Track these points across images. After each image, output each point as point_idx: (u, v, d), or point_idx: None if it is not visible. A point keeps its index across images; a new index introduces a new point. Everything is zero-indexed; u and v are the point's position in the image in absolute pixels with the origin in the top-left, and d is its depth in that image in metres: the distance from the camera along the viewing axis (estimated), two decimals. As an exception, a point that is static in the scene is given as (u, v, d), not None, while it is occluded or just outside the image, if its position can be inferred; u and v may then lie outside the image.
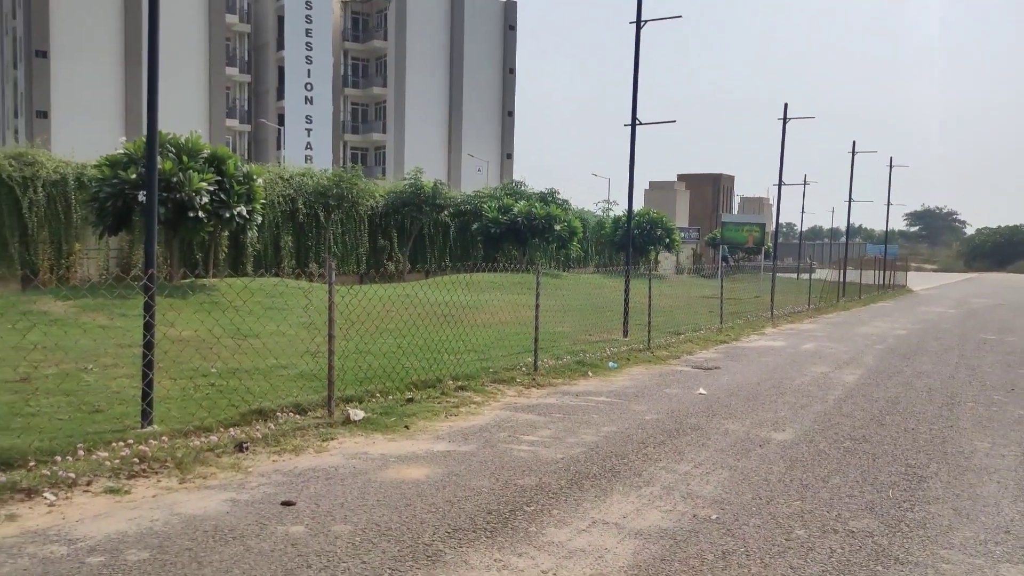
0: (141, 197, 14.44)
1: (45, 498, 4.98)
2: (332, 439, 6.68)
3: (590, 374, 10.65)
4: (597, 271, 34.76)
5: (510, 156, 60.97)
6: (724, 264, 47.36)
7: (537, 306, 10.73)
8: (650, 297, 13.92)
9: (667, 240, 40.29)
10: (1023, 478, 6.27)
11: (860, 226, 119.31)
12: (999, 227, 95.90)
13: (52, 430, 6.20)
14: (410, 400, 8.24)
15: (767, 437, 7.38)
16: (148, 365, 6.37)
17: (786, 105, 23.02)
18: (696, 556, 4.43)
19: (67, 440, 5.88)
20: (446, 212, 30.24)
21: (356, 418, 7.25)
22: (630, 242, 16.83)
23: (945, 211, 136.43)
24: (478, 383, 9.28)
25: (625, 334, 14.27)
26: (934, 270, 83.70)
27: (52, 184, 19.04)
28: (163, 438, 6.14)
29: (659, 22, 15.06)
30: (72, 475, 5.29)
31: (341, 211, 26.51)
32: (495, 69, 59.76)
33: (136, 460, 5.66)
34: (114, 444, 5.90)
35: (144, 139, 8.06)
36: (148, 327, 6.39)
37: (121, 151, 16.27)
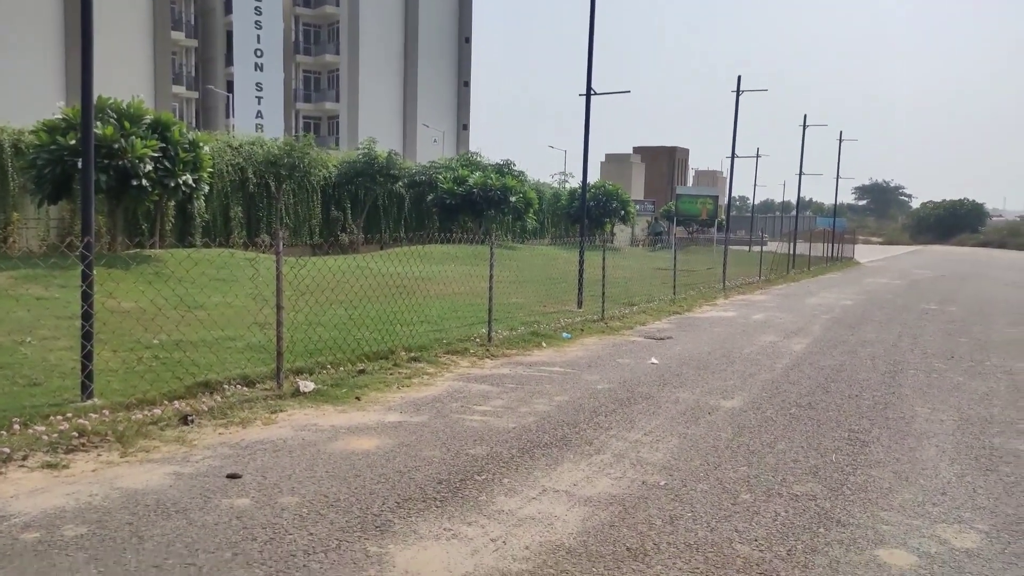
0: (81, 164, 13.95)
1: (-23, 474, 4.79)
2: (281, 411, 6.56)
3: (544, 344, 10.67)
4: (552, 243, 34.84)
5: (466, 127, 60.40)
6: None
7: (491, 277, 10.68)
8: (604, 268, 13.97)
9: (622, 212, 40.52)
10: (960, 441, 6.48)
11: (810, 199, 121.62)
12: (943, 201, 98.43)
13: (-15, 404, 5.97)
14: (362, 372, 8.14)
15: (716, 405, 7.48)
16: (87, 336, 6.17)
17: (739, 77, 23.18)
18: (644, 521, 4.47)
19: (1, 414, 5.67)
20: (401, 183, 29.88)
21: (306, 390, 7.15)
22: (584, 214, 16.84)
23: (892, 185, 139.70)
24: (431, 354, 9.22)
25: (579, 305, 14.33)
26: (881, 243, 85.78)
27: (-14, 151, 18.22)
28: (104, 411, 5.97)
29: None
30: (7, 450, 5.10)
31: (293, 181, 25.97)
32: (451, 38, 58.91)
33: (75, 434, 5.48)
34: (52, 418, 5.71)
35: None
36: (86, 297, 6.17)
37: (59, 116, 15.65)
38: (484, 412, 6.88)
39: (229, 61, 50.57)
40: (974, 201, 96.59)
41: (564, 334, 11.50)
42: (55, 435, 5.43)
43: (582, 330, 12.07)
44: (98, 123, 14.48)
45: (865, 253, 50.76)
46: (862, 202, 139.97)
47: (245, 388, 7.09)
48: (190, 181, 16.41)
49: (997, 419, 7.34)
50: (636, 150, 75.09)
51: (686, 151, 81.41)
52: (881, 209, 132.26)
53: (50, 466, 5.00)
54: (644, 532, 4.33)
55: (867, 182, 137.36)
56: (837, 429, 6.74)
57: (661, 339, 11.77)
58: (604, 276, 13.88)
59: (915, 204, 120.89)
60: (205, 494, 4.63)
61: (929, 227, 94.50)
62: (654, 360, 9.83)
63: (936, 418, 7.30)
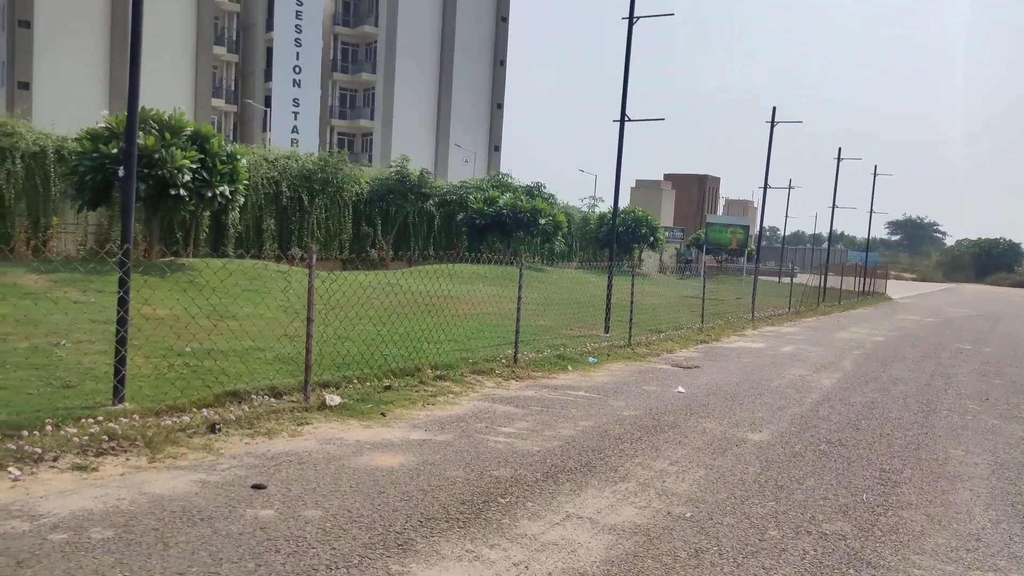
0: (121, 172, 14.24)
1: (9, 473, 4.86)
2: (307, 424, 6.59)
3: (569, 368, 10.62)
4: (581, 267, 34.80)
5: (498, 148, 60.75)
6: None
7: (519, 298, 10.69)
8: (632, 294, 13.91)
9: (651, 239, 40.45)
10: (996, 486, 6.32)
11: (842, 233, 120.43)
12: (979, 239, 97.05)
13: (20, 404, 6.07)
14: (388, 388, 8.16)
15: (744, 437, 7.38)
16: (121, 341, 6.25)
17: (774, 108, 23.08)
18: (669, 553, 4.41)
19: (35, 415, 5.76)
20: (431, 201, 30.11)
21: (332, 403, 7.17)
22: (614, 239, 16.82)
23: (926, 221, 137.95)
24: (457, 373, 9.22)
25: (606, 330, 14.26)
26: (913, 279, 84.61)
27: (31, 156, 18.71)
28: (134, 416, 6.04)
29: (652, 19, 15.01)
30: (39, 450, 5.18)
31: (325, 196, 26.31)
32: (486, 60, 59.47)
33: (105, 437, 5.55)
34: (83, 420, 5.79)
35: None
36: (122, 303, 6.27)
37: (103, 125, 16.03)
38: (509, 434, 6.85)
39: (268, 76, 51.51)
40: (1010, 241, 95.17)
41: (590, 358, 11.44)
42: (86, 437, 5.50)
43: (608, 355, 12.01)
44: (140, 133, 14.80)
45: (897, 289, 50.05)
46: (895, 237, 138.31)
47: (272, 399, 7.14)
48: (226, 192, 16.68)
49: (1034, 465, 7.14)
50: (666, 177, 75.05)
51: (717, 179, 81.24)
52: (914, 245, 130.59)
53: (79, 468, 5.06)
54: (669, 564, 4.26)
55: (900, 217, 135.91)
56: (868, 468, 6.60)
57: (688, 368, 11.66)
58: (632, 301, 13.82)
59: (949, 241, 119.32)
60: (230, 503, 4.65)
61: (963, 265, 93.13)
62: (681, 388, 9.74)
63: (970, 461, 7.12)
